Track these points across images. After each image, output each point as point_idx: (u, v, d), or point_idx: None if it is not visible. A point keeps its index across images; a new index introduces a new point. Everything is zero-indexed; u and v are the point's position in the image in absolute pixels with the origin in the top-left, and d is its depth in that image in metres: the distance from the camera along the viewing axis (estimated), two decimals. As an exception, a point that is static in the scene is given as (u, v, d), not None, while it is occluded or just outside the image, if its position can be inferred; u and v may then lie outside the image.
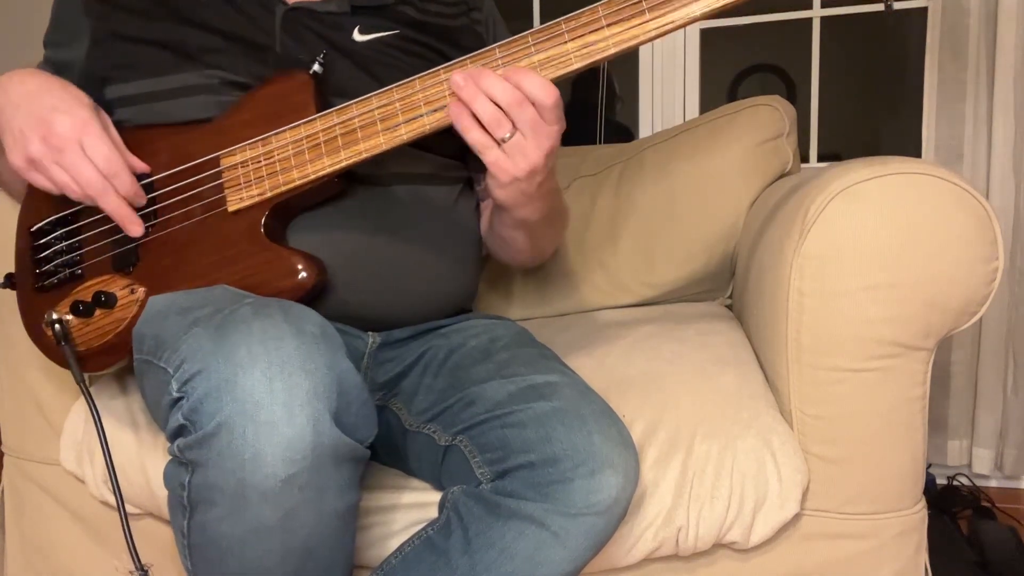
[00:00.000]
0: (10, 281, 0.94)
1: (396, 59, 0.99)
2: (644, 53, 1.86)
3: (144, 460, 0.95)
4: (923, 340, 0.86)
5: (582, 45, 0.80)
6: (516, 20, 1.95)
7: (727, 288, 1.37)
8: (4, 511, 1.15)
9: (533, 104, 0.77)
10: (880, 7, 1.74)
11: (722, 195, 1.32)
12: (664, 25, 0.79)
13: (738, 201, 1.31)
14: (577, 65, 0.80)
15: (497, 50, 0.81)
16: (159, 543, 0.98)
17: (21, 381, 1.08)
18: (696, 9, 0.78)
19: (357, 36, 0.99)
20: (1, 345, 1.09)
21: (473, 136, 0.78)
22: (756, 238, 1.11)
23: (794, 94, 2.10)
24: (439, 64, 0.99)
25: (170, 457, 0.71)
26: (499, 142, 0.78)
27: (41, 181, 0.84)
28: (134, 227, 0.87)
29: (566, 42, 0.80)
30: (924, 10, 1.64)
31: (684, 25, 0.80)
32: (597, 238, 1.38)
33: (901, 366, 0.87)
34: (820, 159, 1.83)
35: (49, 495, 1.09)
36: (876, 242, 0.84)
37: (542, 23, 1.94)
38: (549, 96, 0.77)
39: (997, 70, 1.52)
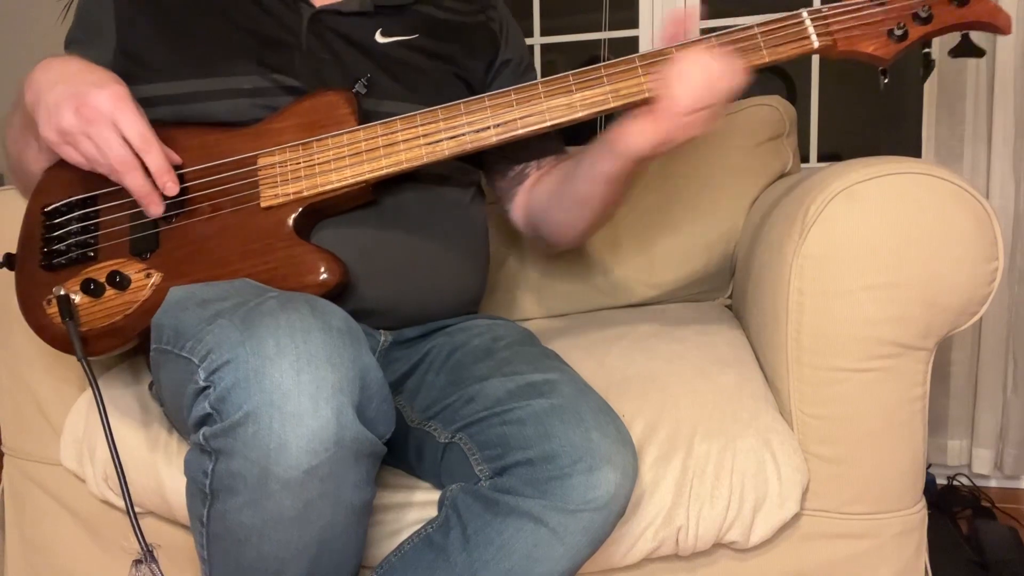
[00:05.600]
0: (9, 260, 0.93)
1: (416, 61, 1.02)
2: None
3: (153, 458, 0.95)
4: (923, 340, 0.86)
5: (618, 89, 0.87)
6: (517, 22, 1.95)
7: (727, 288, 1.37)
8: (4, 511, 1.15)
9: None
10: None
11: (722, 195, 1.33)
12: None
13: (738, 201, 1.31)
14: (612, 105, 0.88)
15: (540, 85, 0.88)
16: (163, 542, 0.98)
17: (21, 381, 1.08)
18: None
19: (379, 38, 1.01)
20: (1, 345, 1.09)
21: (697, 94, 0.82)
22: (756, 238, 1.11)
23: (794, 94, 2.11)
24: (456, 67, 1.02)
25: (191, 445, 0.72)
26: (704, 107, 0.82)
27: (72, 154, 0.84)
28: (155, 207, 0.86)
29: (604, 84, 0.87)
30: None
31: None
32: (597, 238, 1.38)
33: (901, 366, 0.87)
34: (820, 159, 1.83)
35: (49, 495, 1.09)
36: (876, 242, 0.84)
37: (542, 23, 1.94)
38: (738, 78, 0.83)
39: (997, 70, 1.52)
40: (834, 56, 0.89)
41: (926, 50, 0.88)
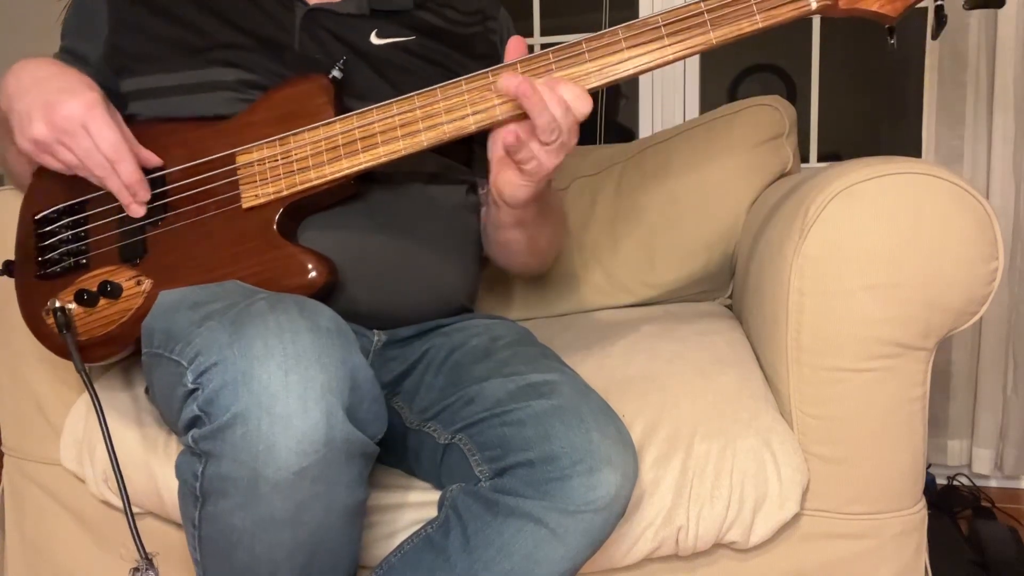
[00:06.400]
0: (8, 268, 0.94)
1: (411, 64, 1.00)
2: (644, 53, 1.86)
3: (148, 458, 0.95)
4: (923, 340, 0.86)
5: (601, 65, 0.82)
6: (516, 22, 1.95)
7: (727, 288, 1.37)
8: (4, 511, 1.15)
9: (571, 111, 0.79)
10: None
11: (722, 195, 1.32)
12: (682, 51, 0.82)
13: (738, 201, 1.31)
14: (595, 83, 0.82)
15: (519, 65, 0.83)
16: (162, 543, 0.98)
17: (21, 380, 1.08)
18: (714, 38, 0.81)
19: (374, 39, 1.00)
20: (0, 345, 1.09)
21: (510, 140, 0.80)
22: (756, 238, 1.11)
23: (794, 94, 2.11)
24: (453, 72, 0.97)
25: (182, 448, 0.71)
26: (543, 144, 0.80)
27: (51, 162, 0.84)
28: (135, 209, 0.87)
29: (586, 61, 0.82)
30: (923, 10, 1.64)
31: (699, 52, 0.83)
32: (597, 238, 1.38)
33: (901, 366, 0.87)
34: (820, 159, 1.83)
35: (49, 495, 1.09)
36: (876, 242, 0.84)
37: (542, 24, 1.94)
38: (587, 105, 0.80)
39: (997, 70, 1.52)
40: (835, 15, 0.82)
41: (939, 2, 0.83)
